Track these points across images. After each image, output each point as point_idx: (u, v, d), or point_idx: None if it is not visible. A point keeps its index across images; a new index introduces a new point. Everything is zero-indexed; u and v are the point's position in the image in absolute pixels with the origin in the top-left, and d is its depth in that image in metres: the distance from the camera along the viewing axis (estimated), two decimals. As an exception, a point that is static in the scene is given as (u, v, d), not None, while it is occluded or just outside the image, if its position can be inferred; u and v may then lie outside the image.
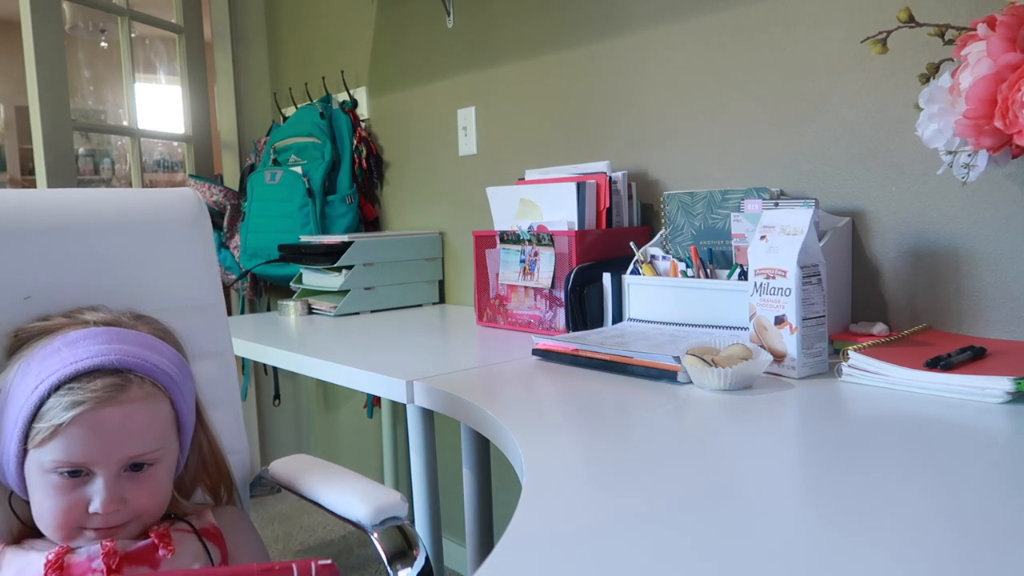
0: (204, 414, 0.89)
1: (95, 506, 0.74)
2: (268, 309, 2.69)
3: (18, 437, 0.75)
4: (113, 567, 0.75)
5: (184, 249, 1.03)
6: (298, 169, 2.18)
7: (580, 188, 1.44)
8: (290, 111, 2.45)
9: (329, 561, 0.64)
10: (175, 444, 0.82)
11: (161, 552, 0.78)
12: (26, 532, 0.81)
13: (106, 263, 0.98)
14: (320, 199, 2.15)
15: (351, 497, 0.89)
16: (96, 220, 0.98)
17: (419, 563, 0.83)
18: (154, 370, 0.78)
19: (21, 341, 0.83)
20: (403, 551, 0.84)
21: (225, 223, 2.43)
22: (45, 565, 0.74)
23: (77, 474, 0.74)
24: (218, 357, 1.04)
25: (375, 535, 0.85)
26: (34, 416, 0.74)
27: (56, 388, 0.74)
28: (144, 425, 0.76)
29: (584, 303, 1.37)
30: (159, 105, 4.14)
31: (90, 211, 0.98)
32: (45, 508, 0.75)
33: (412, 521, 0.90)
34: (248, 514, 0.99)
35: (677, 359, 1.01)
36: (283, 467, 1.02)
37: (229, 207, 2.43)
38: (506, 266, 1.52)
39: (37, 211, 0.95)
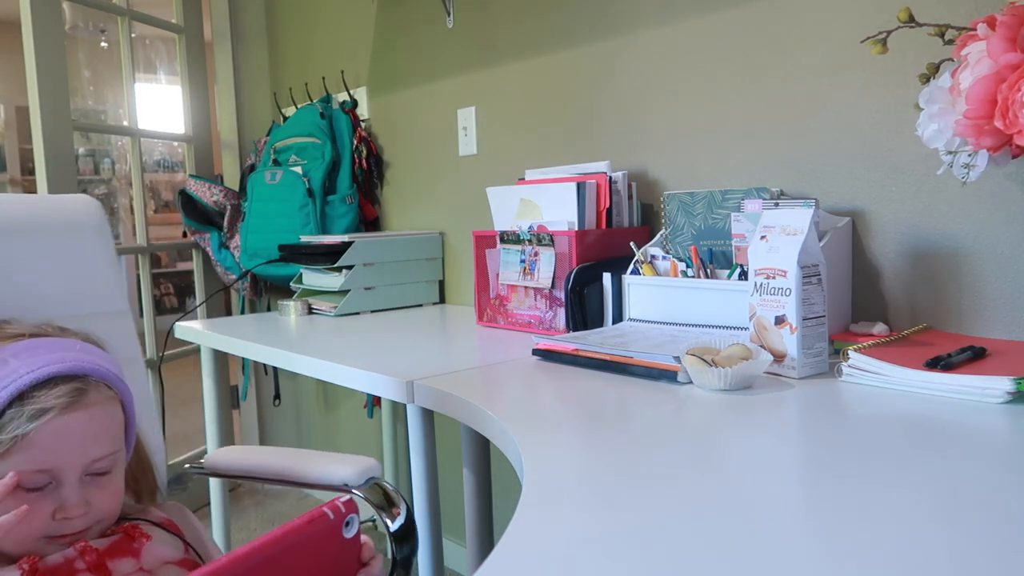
0: (133, 417, 0.90)
1: (64, 510, 0.73)
2: (268, 309, 2.69)
3: None
4: (95, 562, 0.75)
5: (85, 256, 1.04)
6: (298, 169, 2.18)
7: (580, 188, 1.44)
8: (290, 111, 2.45)
9: (348, 497, 0.67)
10: (124, 447, 0.83)
11: (138, 542, 0.79)
12: None
13: (1, 271, 0.97)
14: (320, 199, 2.15)
15: (332, 465, 0.99)
16: None
17: (402, 514, 0.94)
18: (107, 374, 0.79)
19: None
20: (385, 505, 0.96)
21: (225, 223, 2.43)
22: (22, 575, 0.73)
23: (40, 487, 0.73)
24: (128, 364, 1.04)
25: (362, 493, 0.95)
26: None
27: (13, 399, 0.73)
28: (104, 428, 0.77)
29: (584, 303, 1.37)
30: (159, 105, 4.14)
31: None
32: (7, 522, 0.73)
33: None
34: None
35: (677, 359, 1.01)
36: (228, 457, 1.07)
37: (229, 207, 2.43)
38: (506, 266, 1.52)
39: None
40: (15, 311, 0.94)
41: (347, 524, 0.67)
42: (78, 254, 1.04)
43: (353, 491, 0.96)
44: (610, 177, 1.46)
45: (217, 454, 1.10)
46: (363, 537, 0.72)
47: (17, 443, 0.72)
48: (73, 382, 0.75)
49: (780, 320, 1.01)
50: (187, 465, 1.12)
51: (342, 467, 0.99)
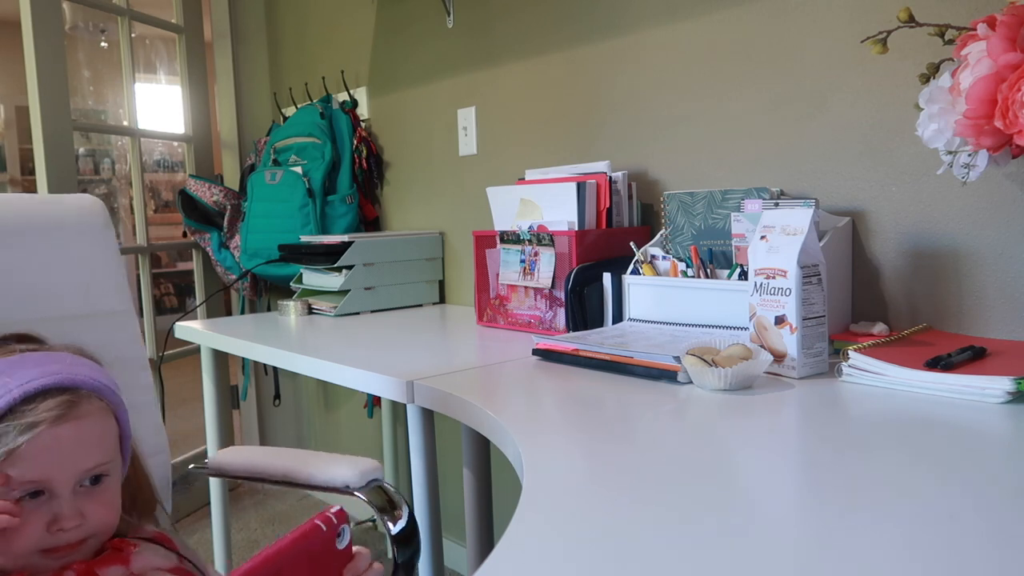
0: (131, 431, 0.89)
1: (58, 522, 0.73)
2: (268, 309, 2.69)
3: None
4: (84, 571, 0.75)
5: (88, 256, 1.04)
6: (298, 169, 2.18)
7: (580, 188, 1.44)
8: (290, 111, 2.45)
9: (338, 507, 0.68)
10: (119, 458, 0.82)
11: (126, 550, 0.78)
12: None
13: (3, 271, 0.97)
14: (320, 199, 2.15)
15: (335, 466, 0.97)
16: None
17: (404, 517, 0.93)
18: (99, 386, 0.79)
19: None
20: (387, 507, 0.95)
21: (225, 223, 2.43)
22: None
23: (36, 495, 0.73)
24: (131, 363, 1.05)
25: (363, 495, 0.94)
26: None
27: (4, 414, 0.73)
28: (96, 439, 0.77)
29: (584, 303, 1.37)
30: (159, 105, 4.14)
31: None
32: (5, 532, 0.73)
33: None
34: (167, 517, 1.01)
35: (677, 359, 1.01)
36: (233, 457, 1.06)
37: (229, 207, 2.43)
38: (506, 266, 1.52)
39: None
40: (19, 310, 0.95)
41: (339, 535, 0.67)
42: (82, 253, 1.04)
43: (355, 493, 0.96)
44: (610, 177, 1.46)
45: (222, 454, 1.10)
46: (356, 548, 0.71)
47: (8, 457, 0.72)
48: (64, 394, 0.75)
49: (780, 320, 1.01)
50: (191, 465, 1.12)
51: (343, 469, 0.98)
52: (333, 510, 0.67)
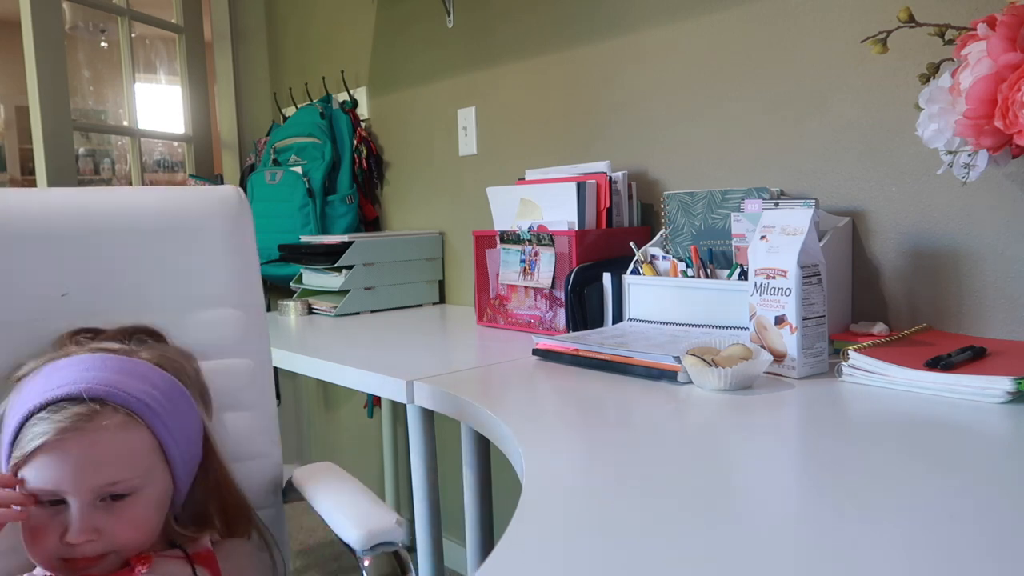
0: (215, 446, 0.87)
1: (69, 535, 0.73)
2: (268, 309, 2.69)
3: (4, 462, 0.76)
4: None
5: (226, 250, 1.02)
6: (298, 169, 2.18)
7: (580, 188, 1.44)
8: (290, 111, 2.45)
9: None
10: (163, 475, 0.79)
11: (138, 569, 0.77)
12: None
13: (145, 265, 0.98)
14: (320, 199, 2.15)
15: (343, 517, 0.85)
16: (134, 221, 0.99)
17: None
18: (128, 398, 0.76)
19: (22, 365, 0.85)
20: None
21: (225, 223, 2.43)
22: None
23: (55, 503, 0.74)
24: (252, 357, 1.01)
25: (365, 561, 0.80)
26: (14, 442, 0.75)
27: (30, 416, 0.74)
28: (113, 454, 0.75)
29: (584, 303, 1.37)
30: (159, 105, 4.14)
31: (127, 211, 0.99)
32: (26, 534, 0.74)
33: (412, 546, 0.86)
34: (267, 532, 0.94)
35: (677, 359, 1.01)
36: (302, 474, 0.98)
37: (229, 207, 2.43)
38: (506, 266, 1.52)
39: (78, 211, 0.96)
40: (156, 304, 0.96)
41: None
42: (223, 248, 1.02)
43: (358, 555, 0.82)
44: (610, 177, 1.46)
45: (299, 472, 1.02)
46: None
47: (27, 459, 0.73)
48: (81, 406, 0.74)
49: (780, 320, 1.01)
50: None
51: (351, 527, 0.82)
52: None
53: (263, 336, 1.03)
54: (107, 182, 5.52)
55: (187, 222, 1.01)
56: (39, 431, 0.73)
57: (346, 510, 0.86)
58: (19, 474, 0.74)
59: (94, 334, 0.90)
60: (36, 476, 0.73)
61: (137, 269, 0.98)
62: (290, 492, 1.00)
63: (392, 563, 0.81)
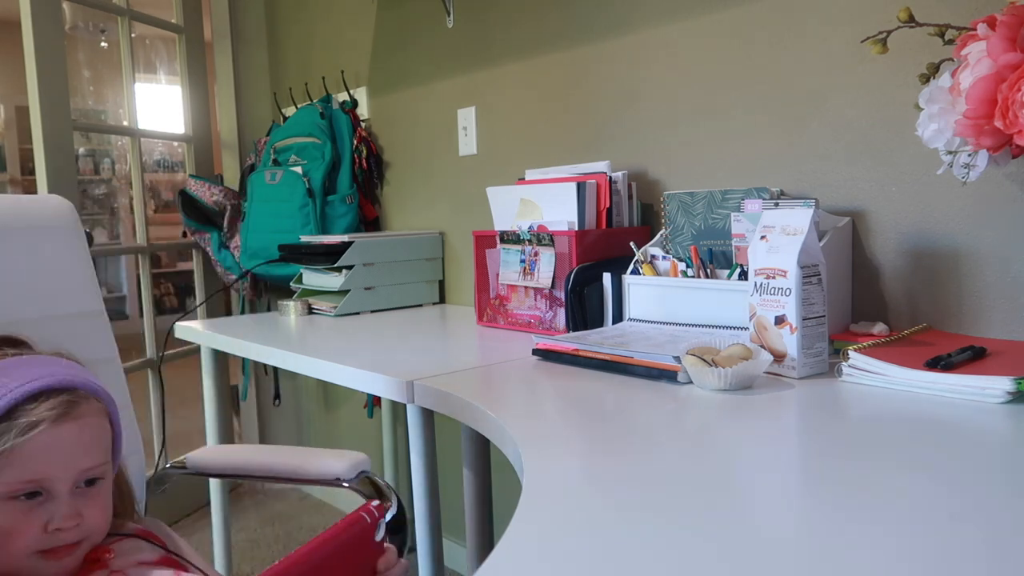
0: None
1: (55, 522, 0.73)
2: (268, 309, 2.69)
3: None
4: None
5: (59, 257, 1.05)
6: (298, 169, 2.18)
7: (580, 188, 1.44)
8: (290, 111, 2.45)
9: (377, 502, 0.71)
10: (111, 461, 0.83)
11: (103, 559, 0.79)
12: None
13: None
14: (320, 199, 2.15)
15: (323, 459, 1.02)
16: None
17: (394, 507, 0.94)
18: (95, 388, 0.80)
19: None
20: (376, 498, 0.96)
21: (225, 223, 2.43)
22: None
23: (33, 496, 0.73)
24: (105, 364, 1.06)
25: (353, 487, 0.99)
26: None
27: (3, 414, 0.73)
28: (95, 439, 0.78)
29: (584, 303, 1.37)
30: (159, 105, 4.14)
31: None
32: (2, 533, 0.73)
33: (412, 546, 1.02)
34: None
35: (677, 359, 1.01)
36: (212, 455, 1.08)
37: (229, 207, 2.43)
38: (506, 266, 1.52)
39: None
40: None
41: (377, 528, 0.70)
42: (51, 255, 1.05)
43: (345, 484, 0.98)
44: (610, 177, 1.46)
45: (201, 452, 1.11)
46: (387, 544, 0.74)
47: (7, 456, 0.72)
48: (63, 395, 0.76)
49: (780, 320, 1.01)
50: (168, 464, 1.12)
51: (334, 461, 1.00)
52: (373, 504, 0.70)
53: (109, 341, 1.08)
54: (107, 182, 5.53)
55: (17, 230, 1.02)
56: (28, 423, 0.73)
57: (319, 456, 1.03)
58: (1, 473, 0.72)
59: None
60: (24, 468, 0.72)
61: None
62: (162, 483, 1.10)
63: (373, 489, 1.00)
